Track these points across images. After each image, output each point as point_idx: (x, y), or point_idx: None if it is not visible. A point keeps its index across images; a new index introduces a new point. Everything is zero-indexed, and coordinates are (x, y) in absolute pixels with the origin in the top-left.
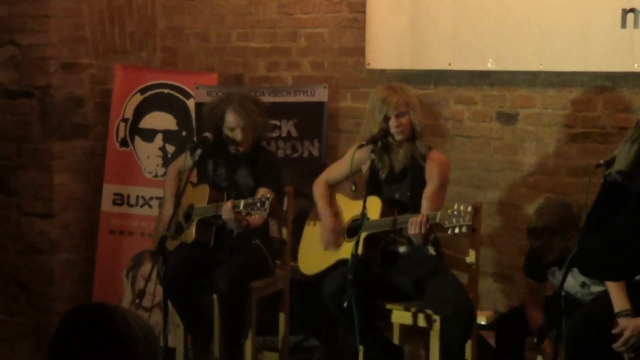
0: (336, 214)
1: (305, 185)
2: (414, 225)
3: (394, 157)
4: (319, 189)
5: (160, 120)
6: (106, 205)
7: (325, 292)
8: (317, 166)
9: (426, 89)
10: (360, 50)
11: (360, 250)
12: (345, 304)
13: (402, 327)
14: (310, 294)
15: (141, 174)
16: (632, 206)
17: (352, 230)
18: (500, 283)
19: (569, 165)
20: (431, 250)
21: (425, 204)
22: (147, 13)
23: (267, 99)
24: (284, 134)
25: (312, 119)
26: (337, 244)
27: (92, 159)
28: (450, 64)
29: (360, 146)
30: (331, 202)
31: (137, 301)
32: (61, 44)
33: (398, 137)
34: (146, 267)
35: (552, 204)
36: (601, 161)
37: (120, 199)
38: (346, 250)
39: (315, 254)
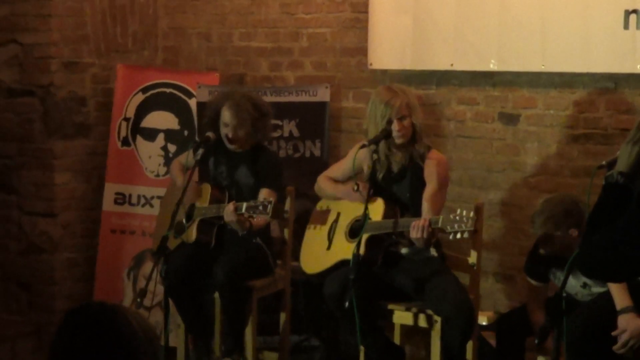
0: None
1: (307, 185)
2: (416, 229)
3: (393, 158)
4: (323, 180)
5: (162, 119)
6: (107, 204)
7: (327, 292)
8: (319, 166)
9: (428, 89)
10: (362, 51)
11: (362, 251)
12: (347, 304)
13: (403, 327)
14: (311, 294)
15: (143, 173)
16: (634, 207)
17: (354, 230)
18: (502, 283)
19: (571, 166)
20: (433, 252)
21: (425, 206)
22: (149, 12)
23: (269, 98)
24: (286, 134)
25: (314, 119)
26: (365, 194)
27: (93, 158)
28: (452, 65)
29: (363, 146)
30: (332, 203)
31: (138, 300)
32: (63, 43)
33: (399, 141)
34: (147, 267)
35: (560, 196)
36: (603, 162)
37: (121, 199)
38: (348, 250)
39: (317, 254)
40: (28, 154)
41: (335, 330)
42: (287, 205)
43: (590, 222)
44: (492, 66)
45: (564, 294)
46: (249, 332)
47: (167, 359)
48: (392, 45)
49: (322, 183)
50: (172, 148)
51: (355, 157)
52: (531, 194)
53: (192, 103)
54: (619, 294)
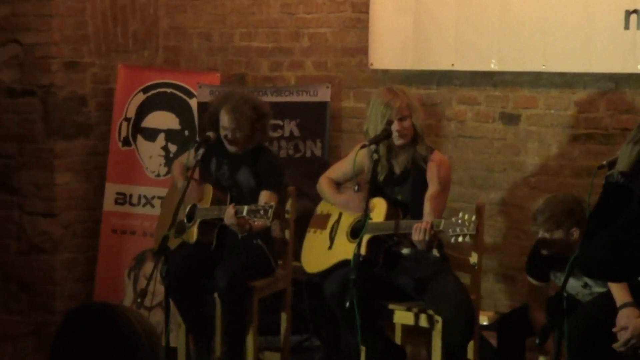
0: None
1: (307, 185)
2: (418, 232)
3: (395, 160)
4: (324, 183)
5: (162, 119)
6: (108, 204)
7: (328, 292)
8: (320, 166)
9: (429, 89)
10: (363, 50)
11: (363, 251)
12: (347, 304)
13: (404, 327)
14: (312, 294)
15: (143, 173)
16: (634, 207)
17: (356, 230)
18: (503, 284)
19: (572, 166)
20: (434, 252)
21: (427, 207)
22: (150, 12)
23: (269, 98)
24: (287, 134)
25: (314, 119)
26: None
27: (94, 158)
28: (453, 65)
29: (363, 146)
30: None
31: (138, 300)
32: (64, 43)
33: (398, 142)
34: (148, 267)
35: (563, 195)
36: (604, 162)
37: (122, 199)
38: (349, 250)
39: (318, 253)
40: (29, 154)
41: (336, 330)
42: (288, 206)
43: (591, 222)
44: (493, 66)
45: (565, 294)
46: (249, 333)
47: (167, 359)
48: (392, 45)
49: (324, 186)
50: (172, 148)
51: (356, 157)
52: (532, 194)
53: (193, 103)
54: (619, 292)
